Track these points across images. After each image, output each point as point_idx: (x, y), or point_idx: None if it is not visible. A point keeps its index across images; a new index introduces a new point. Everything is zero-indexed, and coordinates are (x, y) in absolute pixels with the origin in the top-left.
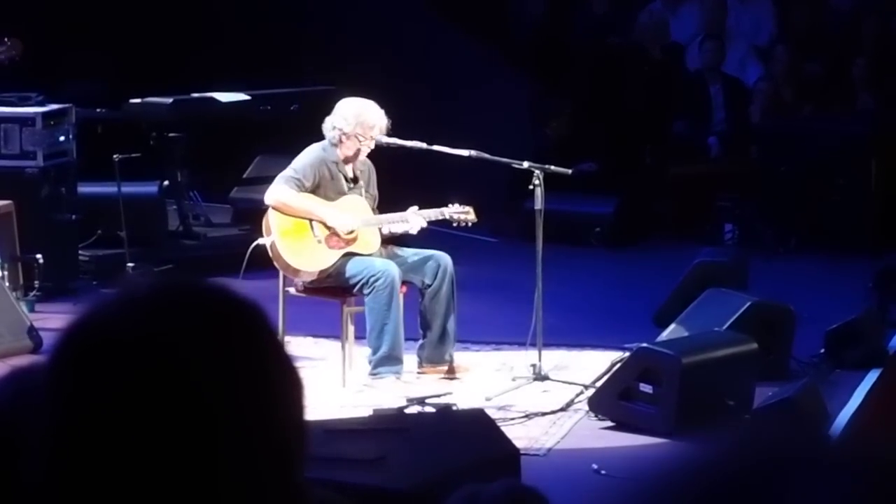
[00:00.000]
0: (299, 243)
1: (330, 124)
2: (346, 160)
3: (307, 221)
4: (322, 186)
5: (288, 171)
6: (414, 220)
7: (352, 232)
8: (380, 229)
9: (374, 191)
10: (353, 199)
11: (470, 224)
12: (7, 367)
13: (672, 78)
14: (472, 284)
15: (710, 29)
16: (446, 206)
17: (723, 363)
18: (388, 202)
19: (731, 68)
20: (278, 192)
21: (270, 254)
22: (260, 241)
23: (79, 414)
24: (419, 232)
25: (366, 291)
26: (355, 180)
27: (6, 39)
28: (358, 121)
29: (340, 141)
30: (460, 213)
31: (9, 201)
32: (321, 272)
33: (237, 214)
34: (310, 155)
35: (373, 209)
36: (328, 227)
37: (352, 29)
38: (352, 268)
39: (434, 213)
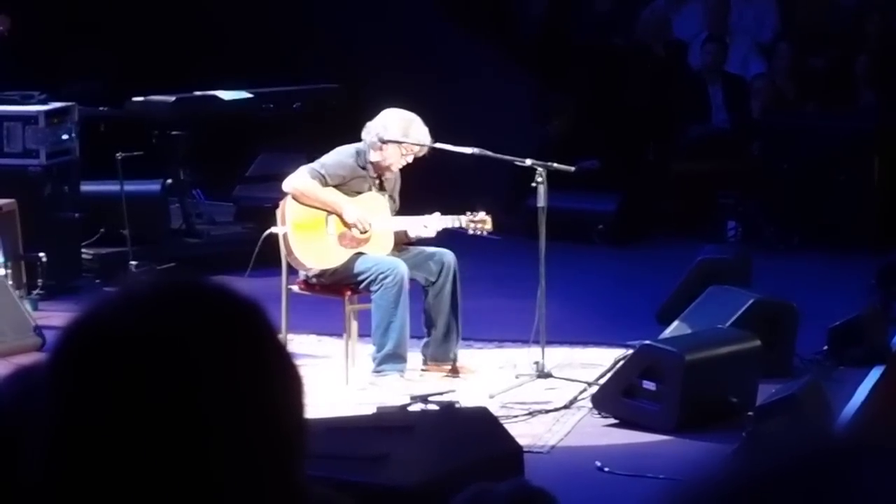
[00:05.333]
0: (311, 238)
1: (373, 130)
2: (379, 168)
3: (323, 217)
4: (345, 186)
5: (315, 164)
6: (433, 224)
7: (366, 232)
8: (400, 233)
9: (397, 197)
10: (373, 198)
11: (486, 233)
12: (11, 365)
13: (675, 75)
14: (475, 282)
15: (713, 26)
16: (463, 213)
17: (726, 360)
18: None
19: (733, 65)
20: (299, 180)
21: (281, 243)
22: (273, 229)
23: (79, 412)
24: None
25: (374, 288)
26: (381, 187)
27: None
28: (404, 133)
29: (380, 148)
30: (477, 221)
31: (12, 200)
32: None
33: (240, 212)
34: (340, 155)
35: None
36: (343, 225)
37: (355, 27)
38: (361, 264)
39: (450, 221)
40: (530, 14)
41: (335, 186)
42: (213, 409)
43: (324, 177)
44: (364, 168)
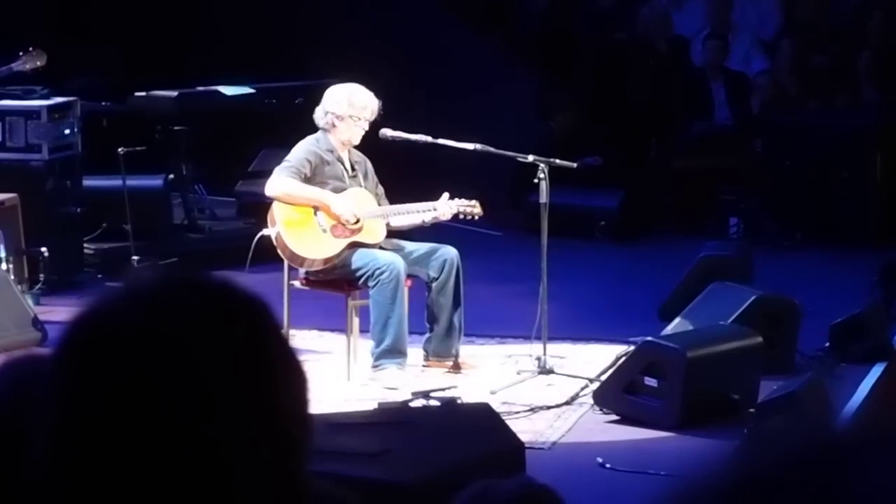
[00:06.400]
0: (304, 233)
1: (321, 111)
2: (342, 145)
3: (312, 212)
4: (319, 175)
5: (283, 164)
6: (443, 207)
7: (357, 221)
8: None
9: (376, 183)
10: (357, 192)
11: (476, 217)
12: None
13: (677, 72)
14: (477, 278)
15: (715, 23)
16: (452, 199)
17: (727, 357)
18: (393, 196)
19: (735, 62)
20: (279, 182)
21: (276, 244)
22: (265, 231)
23: (84, 407)
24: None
25: (370, 284)
26: (353, 169)
27: (31, 49)
28: (349, 102)
29: (333, 125)
30: (466, 206)
31: (14, 194)
32: (327, 261)
33: (242, 208)
34: (303, 146)
35: (379, 203)
36: (332, 216)
37: (357, 22)
38: (357, 260)
39: (443, 206)
40: (533, 10)
41: (312, 177)
42: (218, 405)
43: (297, 169)
44: (331, 151)
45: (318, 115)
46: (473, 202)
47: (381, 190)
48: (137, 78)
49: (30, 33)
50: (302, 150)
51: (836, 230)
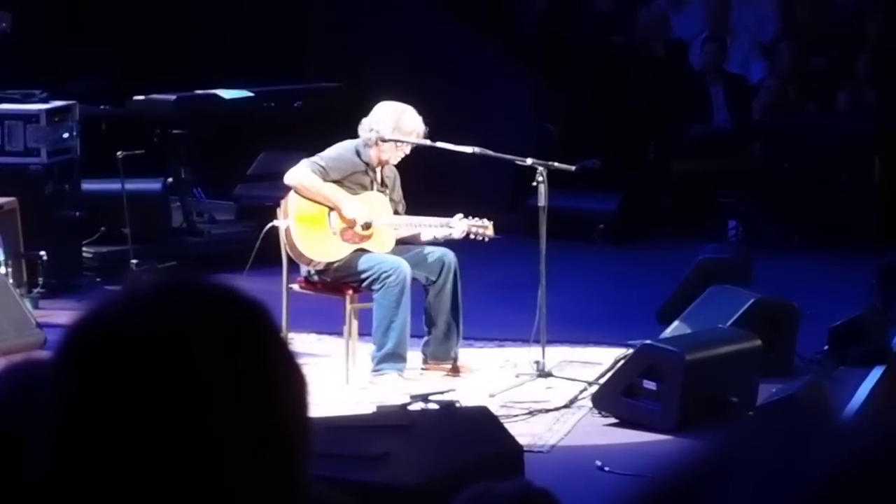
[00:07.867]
0: (314, 232)
1: (367, 126)
2: (379, 163)
3: (325, 212)
4: (348, 181)
5: (315, 158)
6: (458, 225)
7: (368, 227)
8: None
9: (399, 196)
10: (374, 196)
11: (487, 239)
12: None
13: (676, 75)
14: (476, 281)
15: (713, 26)
16: (466, 217)
17: (726, 360)
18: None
19: (734, 65)
20: (300, 173)
21: (283, 237)
22: (275, 223)
23: (83, 411)
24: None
25: (376, 287)
26: (383, 184)
27: None
28: (396, 125)
29: (377, 144)
30: (479, 226)
31: (13, 198)
32: (329, 263)
33: (241, 211)
34: (341, 149)
35: (398, 214)
36: (344, 220)
37: (356, 26)
38: (364, 263)
39: (457, 224)
40: (531, 13)
41: (337, 182)
42: (217, 409)
43: (324, 170)
44: (367, 163)
45: (363, 129)
46: (487, 223)
47: (402, 206)
48: (136, 81)
49: (28, 36)
50: (339, 157)
51: (835, 233)
